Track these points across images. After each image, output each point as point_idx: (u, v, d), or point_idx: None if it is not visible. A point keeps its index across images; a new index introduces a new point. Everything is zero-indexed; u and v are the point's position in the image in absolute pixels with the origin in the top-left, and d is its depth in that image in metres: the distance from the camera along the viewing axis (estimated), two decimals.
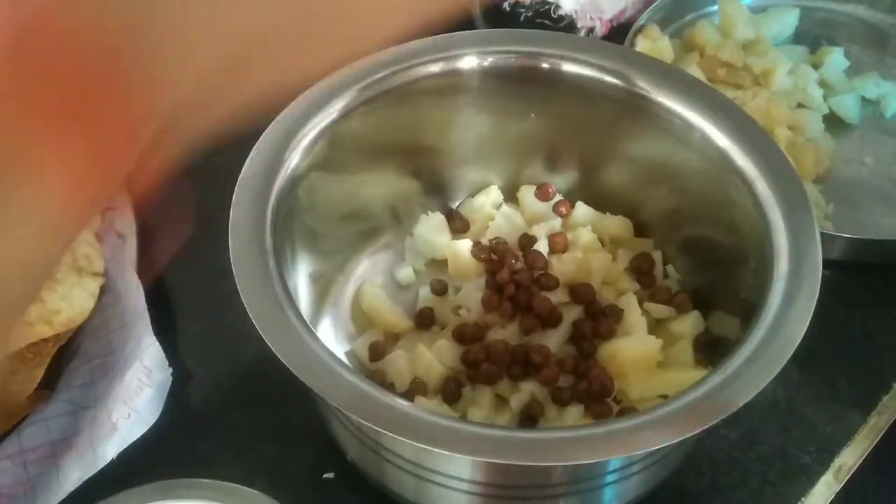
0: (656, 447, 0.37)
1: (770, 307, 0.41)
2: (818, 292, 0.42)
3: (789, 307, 0.41)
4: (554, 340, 0.51)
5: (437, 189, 0.59)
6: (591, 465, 0.41)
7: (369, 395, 0.38)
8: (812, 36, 0.74)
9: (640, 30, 0.69)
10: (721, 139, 0.48)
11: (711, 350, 0.51)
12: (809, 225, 0.44)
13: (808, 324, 0.41)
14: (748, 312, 0.43)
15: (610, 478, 0.43)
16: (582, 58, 0.50)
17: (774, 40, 0.73)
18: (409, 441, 0.37)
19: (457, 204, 0.60)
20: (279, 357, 0.39)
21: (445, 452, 0.37)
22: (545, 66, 0.51)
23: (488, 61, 0.51)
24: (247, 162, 0.46)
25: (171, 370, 0.46)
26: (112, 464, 0.46)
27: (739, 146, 0.47)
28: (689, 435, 0.38)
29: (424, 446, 0.37)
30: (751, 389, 0.38)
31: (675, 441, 0.37)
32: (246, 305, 0.40)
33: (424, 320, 0.54)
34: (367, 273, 0.57)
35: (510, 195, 0.59)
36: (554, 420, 0.49)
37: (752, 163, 0.46)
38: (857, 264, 0.60)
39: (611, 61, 0.50)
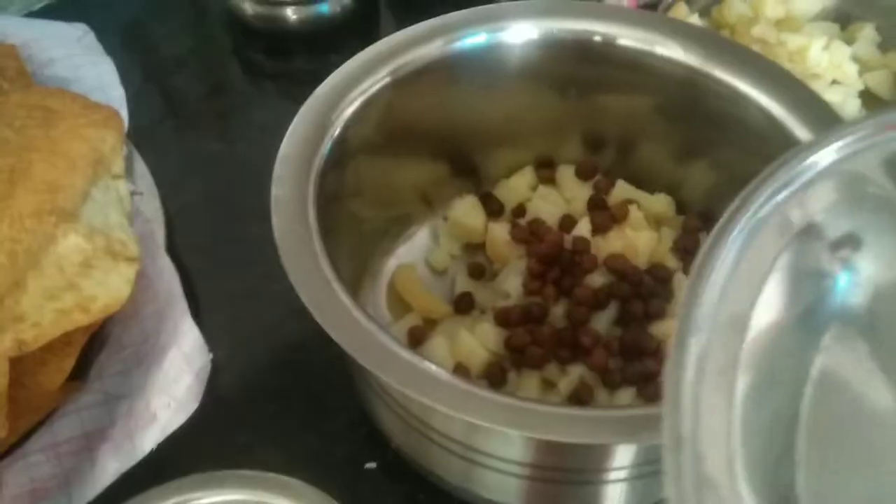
0: None
1: None
2: None
3: None
4: (602, 322, 0.49)
5: (469, 172, 0.57)
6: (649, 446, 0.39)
7: (426, 372, 0.36)
8: (841, 12, 0.73)
9: (668, 7, 0.68)
10: (775, 108, 0.46)
11: None
12: None
13: None
14: None
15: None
16: (635, 30, 0.48)
17: (803, 17, 0.71)
18: (470, 419, 0.35)
19: (491, 187, 0.58)
20: (332, 336, 0.37)
21: (507, 430, 0.35)
22: (598, 38, 0.49)
23: (538, 33, 0.49)
24: (286, 136, 0.44)
25: (210, 355, 0.44)
26: (146, 458, 0.44)
27: (795, 115, 0.45)
28: None
29: (489, 424, 0.35)
30: None
31: None
32: (294, 284, 0.38)
33: (464, 305, 0.52)
34: (401, 258, 0.55)
35: (545, 177, 0.58)
36: (605, 404, 0.47)
37: (810, 133, 0.45)
38: None
39: (659, 33, 0.48)
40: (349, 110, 0.45)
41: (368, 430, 0.49)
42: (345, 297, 0.38)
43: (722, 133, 0.50)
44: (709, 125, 0.50)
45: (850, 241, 0.30)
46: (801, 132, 0.45)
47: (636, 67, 0.49)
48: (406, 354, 0.37)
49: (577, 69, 0.49)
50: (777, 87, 0.46)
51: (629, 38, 0.48)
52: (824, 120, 0.45)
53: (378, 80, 0.47)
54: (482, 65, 0.49)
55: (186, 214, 0.62)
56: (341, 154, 0.45)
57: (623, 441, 0.37)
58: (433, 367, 0.37)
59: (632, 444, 0.38)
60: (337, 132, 0.45)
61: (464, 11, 0.49)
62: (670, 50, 0.48)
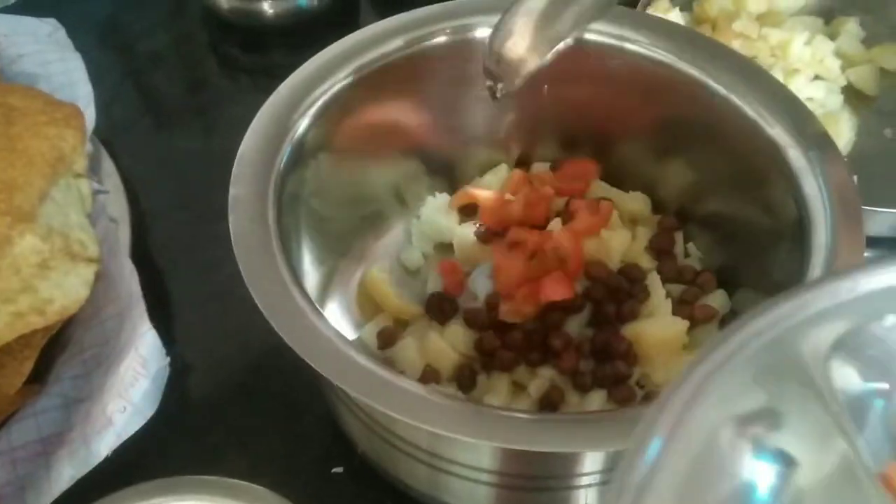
0: None
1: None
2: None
3: None
4: (574, 324, 0.48)
5: (443, 170, 0.56)
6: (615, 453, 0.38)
7: (384, 380, 0.36)
8: (825, 7, 0.72)
9: (650, 2, 0.67)
10: (750, 107, 0.45)
11: None
12: (850, 191, 0.41)
13: None
14: (779, 291, 0.40)
15: None
16: (600, 25, 0.47)
17: (786, 12, 0.70)
18: (430, 428, 0.34)
19: (465, 185, 0.57)
20: (285, 340, 0.36)
21: (468, 440, 0.34)
22: None
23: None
24: (246, 135, 0.43)
25: (168, 359, 0.43)
26: (111, 460, 0.43)
27: (770, 114, 0.44)
28: None
29: (449, 434, 0.34)
30: None
31: None
32: (249, 286, 0.38)
33: (434, 307, 0.51)
34: (374, 258, 0.55)
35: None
36: (575, 407, 0.47)
37: (784, 132, 0.44)
38: (883, 239, 0.57)
39: (631, 29, 0.48)
40: (310, 111, 0.45)
41: (336, 434, 0.48)
42: (302, 301, 0.38)
43: (695, 130, 0.49)
44: (682, 122, 0.49)
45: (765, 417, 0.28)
46: (773, 130, 0.44)
47: (606, 63, 0.48)
48: (362, 360, 0.36)
49: (547, 65, 0.48)
50: (749, 84, 0.46)
51: (598, 33, 0.47)
52: (797, 116, 0.44)
53: (340, 80, 0.46)
54: (448, 62, 0.48)
55: (159, 212, 0.61)
56: (302, 154, 0.44)
57: (589, 449, 0.37)
58: (388, 373, 0.36)
59: (597, 451, 0.37)
60: (298, 133, 0.44)
61: (429, 8, 0.48)
62: (640, 46, 0.47)
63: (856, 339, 0.29)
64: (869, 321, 0.29)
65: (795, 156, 0.43)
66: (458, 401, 0.36)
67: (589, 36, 0.48)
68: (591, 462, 0.39)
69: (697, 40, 0.48)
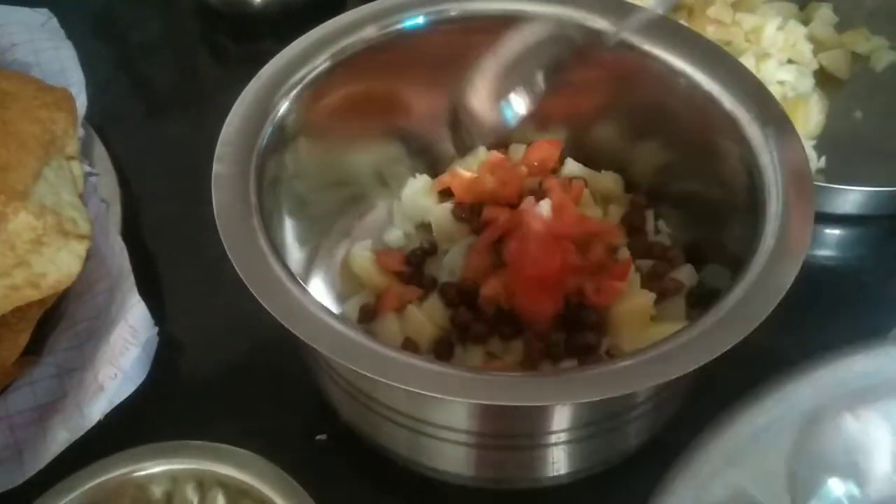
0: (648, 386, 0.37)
1: (759, 257, 0.40)
2: (809, 240, 0.41)
3: (779, 256, 0.40)
4: None
5: (423, 151, 0.58)
6: (585, 408, 0.40)
7: (359, 343, 0.38)
8: None
9: None
10: (710, 84, 0.47)
11: (706, 303, 0.50)
12: (802, 167, 0.43)
13: (797, 273, 0.40)
14: (739, 264, 0.42)
15: (606, 425, 0.43)
16: (566, 7, 0.49)
17: None
18: (402, 386, 0.36)
19: (445, 166, 0.59)
20: (264, 305, 0.38)
21: (439, 396, 0.36)
22: (527, 17, 0.50)
23: (472, 12, 0.50)
24: (228, 116, 0.45)
25: (157, 329, 0.45)
26: (104, 429, 0.45)
27: (729, 91, 0.47)
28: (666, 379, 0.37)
29: (418, 391, 0.36)
30: (729, 340, 0.37)
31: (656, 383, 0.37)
32: (231, 256, 0.40)
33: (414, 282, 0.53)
34: (357, 237, 0.56)
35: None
36: None
37: (742, 108, 0.46)
38: (849, 217, 0.59)
39: (595, 11, 0.49)
40: (290, 94, 0.47)
41: (320, 404, 0.50)
42: (281, 272, 0.40)
43: (662, 110, 0.51)
44: (650, 103, 0.51)
45: None
46: (733, 106, 0.46)
47: (570, 44, 0.50)
48: (338, 325, 0.38)
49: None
50: (712, 64, 0.48)
51: (557, 15, 0.49)
52: (756, 96, 0.46)
53: (318, 65, 0.48)
54: (423, 45, 0.50)
55: (151, 196, 0.63)
56: (283, 137, 0.47)
57: (559, 401, 0.38)
58: (364, 338, 0.38)
59: (565, 404, 0.39)
60: (278, 116, 0.46)
61: None
62: (599, 25, 0.49)
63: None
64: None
65: (753, 131, 0.45)
66: (432, 362, 0.38)
67: (554, 16, 0.49)
68: (560, 419, 0.41)
69: (660, 22, 0.50)
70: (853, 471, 0.34)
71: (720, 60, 0.48)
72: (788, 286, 0.39)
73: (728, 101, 0.46)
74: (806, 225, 0.41)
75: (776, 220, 0.41)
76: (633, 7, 0.50)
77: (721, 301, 0.39)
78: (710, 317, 0.39)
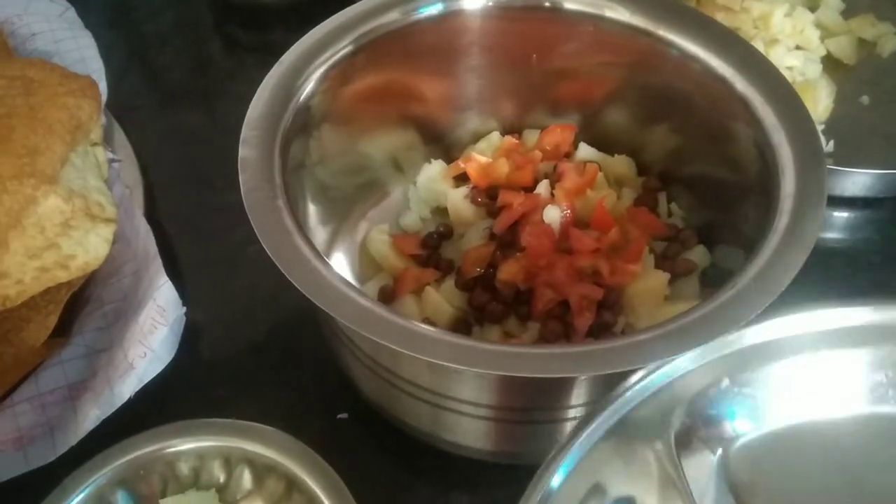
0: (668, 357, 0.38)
1: (772, 237, 0.41)
2: (821, 219, 0.42)
3: (792, 236, 0.41)
4: None
5: (438, 137, 0.59)
6: (601, 382, 0.41)
7: (383, 317, 0.39)
8: None
9: None
10: (723, 68, 0.48)
11: (718, 283, 0.51)
12: (815, 146, 0.44)
13: (809, 252, 0.40)
14: (752, 244, 0.43)
15: None
16: None
17: None
18: (426, 358, 0.37)
19: (459, 152, 0.60)
20: (290, 279, 0.39)
21: (463, 368, 0.37)
22: (546, 3, 0.51)
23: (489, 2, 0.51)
24: (252, 101, 0.46)
25: (184, 309, 0.46)
26: (132, 408, 0.46)
27: (742, 74, 0.47)
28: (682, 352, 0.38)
29: (442, 362, 0.37)
30: (741, 317, 0.38)
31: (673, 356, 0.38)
32: (259, 234, 0.41)
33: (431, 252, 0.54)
34: (375, 221, 0.58)
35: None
36: None
37: (755, 90, 0.47)
38: (857, 199, 0.60)
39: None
40: (313, 77, 0.48)
41: (340, 382, 0.51)
42: (306, 248, 0.41)
43: (675, 94, 0.52)
44: (663, 87, 0.52)
45: None
46: (748, 91, 0.47)
47: (587, 31, 0.51)
48: (363, 300, 0.39)
49: (532, 35, 0.50)
50: (723, 47, 0.48)
51: (577, 2, 0.50)
52: (769, 77, 0.47)
53: (341, 49, 0.49)
54: (441, 32, 0.51)
55: (168, 184, 0.64)
56: (306, 121, 0.47)
57: (580, 373, 0.39)
58: (388, 311, 0.39)
59: (578, 375, 0.40)
60: (301, 99, 0.47)
61: None
62: (618, 13, 0.50)
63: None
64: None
65: (765, 112, 0.46)
66: (454, 335, 0.39)
67: (566, 4, 0.50)
68: (577, 394, 0.42)
69: (671, 6, 0.51)
70: None
71: (732, 44, 0.49)
72: (801, 265, 0.40)
73: (740, 83, 0.47)
74: (819, 205, 0.42)
75: (789, 200, 0.42)
76: None
77: (735, 279, 0.40)
78: (723, 294, 0.40)
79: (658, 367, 0.37)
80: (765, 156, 0.45)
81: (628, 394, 0.37)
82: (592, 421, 0.36)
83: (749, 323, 0.38)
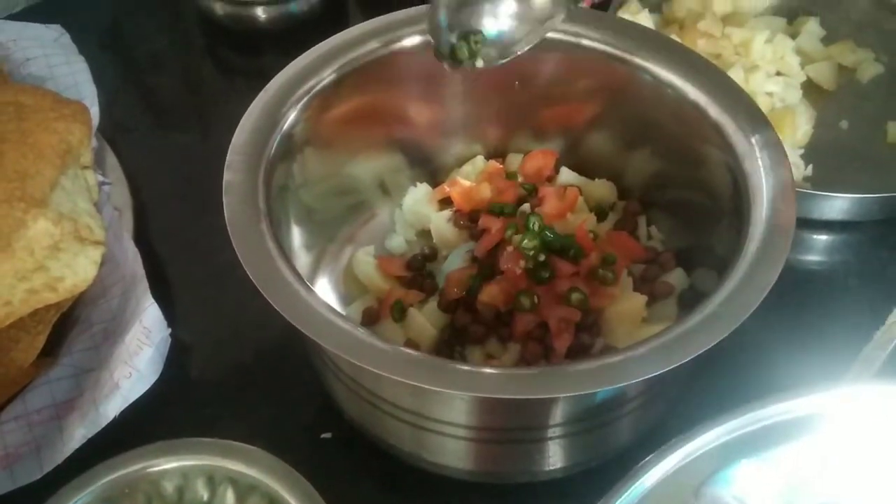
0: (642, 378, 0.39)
1: (744, 259, 0.42)
2: (791, 239, 0.43)
3: (763, 259, 0.42)
4: None
5: (424, 161, 0.60)
6: (578, 402, 0.42)
7: (364, 341, 0.40)
8: (789, 7, 0.76)
9: (621, 4, 0.71)
10: (697, 95, 0.49)
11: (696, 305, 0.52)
12: (785, 174, 0.45)
13: (779, 274, 0.42)
14: (726, 267, 0.43)
15: (600, 420, 0.45)
16: (563, 24, 0.51)
17: (752, 11, 0.74)
18: (405, 380, 0.38)
19: (445, 175, 0.61)
20: (273, 304, 0.40)
21: (441, 390, 0.38)
22: None
23: None
24: (238, 126, 0.47)
25: (169, 330, 0.47)
26: (118, 428, 0.47)
27: (715, 101, 0.49)
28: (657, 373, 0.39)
29: (421, 385, 0.38)
30: (714, 338, 0.39)
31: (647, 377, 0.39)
32: (241, 259, 0.42)
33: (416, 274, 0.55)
34: (361, 243, 0.59)
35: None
36: None
37: (728, 117, 0.48)
38: (836, 222, 0.61)
39: (588, 26, 0.52)
40: (297, 105, 0.49)
41: (325, 404, 0.52)
42: (288, 273, 0.42)
43: (653, 120, 0.53)
44: (641, 113, 0.53)
45: None
46: (721, 118, 0.48)
47: (567, 59, 0.53)
48: (340, 321, 0.40)
49: (513, 63, 0.52)
50: (697, 74, 0.50)
51: (558, 31, 0.52)
52: (742, 105, 0.48)
53: (323, 78, 0.50)
54: (423, 61, 0.52)
55: (160, 204, 0.65)
56: (290, 147, 0.49)
57: (551, 393, 0.40)
58: (369, 335, 0.40)
59: (557, 396, 0.41)
60: (286, 126, 0.48)
61: (403, 11, 0.52)
62: (595, 41, 0.52)
63: None
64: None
65: (738, 139, 0.47)
66: (432, 358, 0.40)
67: (550, 34, 0.52)
68: (555, 413, 0.43)
69: (648, 35, 0.52)
70: None
71: (707, 72, 0.50)
72: (769, 288, 0.41)
73: (714, 110, 0.48)
74: (787, 231, 0.43)
75: (760, 226, 0.43)
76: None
77: (707, 301, 0.41)
78: (695, 316, 0.41)
79: (674, 448, 0.37)
80: (737, 182, 0.46)
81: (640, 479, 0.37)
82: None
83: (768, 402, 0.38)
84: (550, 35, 0.51)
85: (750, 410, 0.38)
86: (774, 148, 0.46)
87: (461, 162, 0.61)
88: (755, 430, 0.38)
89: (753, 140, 0.46)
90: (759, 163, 0.46)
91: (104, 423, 0.45)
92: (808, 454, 0.38)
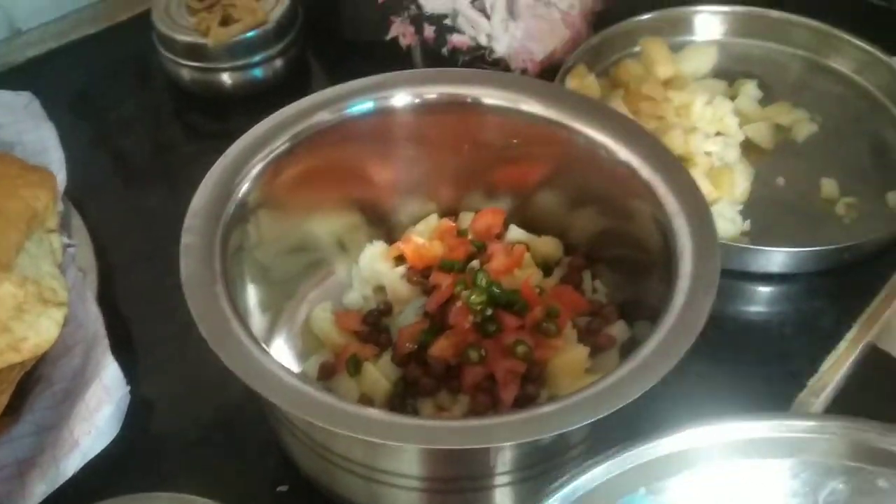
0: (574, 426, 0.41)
1: (672, 312, 0.45)
2: (715, 292, 0.46)
3: (689, 311, 0.45)
4: None
5: (380, 219, 0.63)
6: (517, 450, 0.44)
7: (315, 398, 0.42)
8: (729, 70, 0.80)
9: (569, 70, 0.75)
10: (629, 157, 0.53)
11: None
12: (710, 233, 0.48)
13: (704, 323, 0.44)
14: (657, 317, 0.46)
15: (537, 469, 0.47)
16: (501, 91, 0.55)
17: (694, 75, 0.79)
18: (354, 435, 0.40)
19: (400, 233, 0.63)
20: (228, 365, 0.42)
21: (387, 443, 0.40)
22: (468, 100, 0.56)
23: (418, 98, 0.56)
24: (197, 192, 0.50)
25: (129, 388, 0.49)
26: (78, 483, 0.48)
27: (647, 163, 0.52)
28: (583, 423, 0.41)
29: (369, 438, 0.40)
30: (645, 384, 0.42)
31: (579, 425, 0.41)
32: (196, 321, 0.44)
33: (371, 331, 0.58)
34: (318, 299, 0.61)
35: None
36: None
37: (658, 178, 0.51)
38: (773, 275, 0.65)
39: (528, 93, 0.55)
40: (251, 174, 0.51)
41: (282, 457, 0.54)
42: (243, 334, 0.44)
43: (592, 180, 0.56)
44: (581, 174, 0.57)
45: None
46: (652, 178, 0.52)
47: (510, 123, 0.56)
48: (293, 380, 0.42)
49: (460, 127, 0.55)
50: (629, 138, 0.53)
51: (495, 97, 0.55)
52: (671, 167, 0.52)
53: (277, 147, 0.53)
54: (374, 127, 0.55)
55: (125, 265, 0.67)
56: (244, 212, 0.51)
57: (493, 443, 0.42)
58: (319, 392, 0.42)
59: (503, 444, 0.43)
60: (240, 194, 0.51)
61: (353, 82, 0.56)
62: (532, 106, 0.55)
63: None
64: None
65: (667, 198, 0.50)
66: (382, 413, 0.43)
67: (485, 100, 0.55)
68: (501, 461, 0.45)
69: (582, 101, 0.56)
70: None
71: (638, 135, 0.54)
72: (694, 338, 0.44)
73: (646, 171, 0.52)
74: (710, 286, 0.46)
75: (686, 280, 0.46)
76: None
77: (637, 351, 0.44)
78: (627, 365, 0.43)
79: (575, 478, 0.39)
80: (667, 239, 0.49)
81: None
82: None
83: (664, 434, 0.40)
84: (489, 101, 0.54)
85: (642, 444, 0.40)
86: (701, 209, 0.49)
87: (416, 220, 0.63)
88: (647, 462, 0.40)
89: (681, 199, 0.50)
90: (686, 221, 0.49)
91: (63, 479, 0.46)
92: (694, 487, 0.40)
